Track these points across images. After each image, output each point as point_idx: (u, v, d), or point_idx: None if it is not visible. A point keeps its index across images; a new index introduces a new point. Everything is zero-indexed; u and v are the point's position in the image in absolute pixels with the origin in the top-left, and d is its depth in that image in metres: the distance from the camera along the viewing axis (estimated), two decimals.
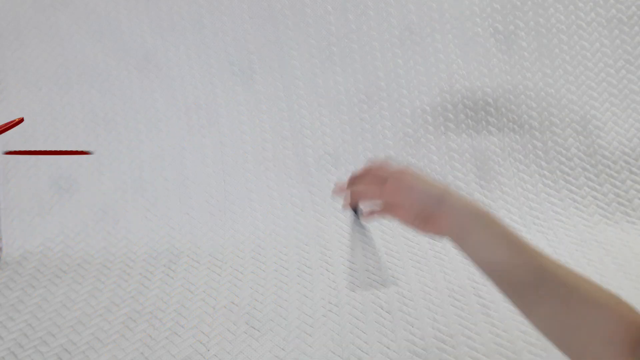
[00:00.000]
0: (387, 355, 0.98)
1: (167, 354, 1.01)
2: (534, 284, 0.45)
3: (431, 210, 0.53)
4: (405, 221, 0.57)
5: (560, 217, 1.39)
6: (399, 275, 1.22)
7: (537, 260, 0.46)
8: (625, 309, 0.42)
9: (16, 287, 1.22)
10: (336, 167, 1.47)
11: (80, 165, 1.42)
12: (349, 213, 0.63)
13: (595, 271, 1.20)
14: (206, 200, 1.43)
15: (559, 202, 1.42)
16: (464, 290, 1.15)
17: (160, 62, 1.48)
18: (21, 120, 0.59)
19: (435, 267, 1.24)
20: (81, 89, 1.45)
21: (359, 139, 1.49)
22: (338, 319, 1.08)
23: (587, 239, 1.32)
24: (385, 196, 0.58)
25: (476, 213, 0.51)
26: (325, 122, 1.49)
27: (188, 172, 1.45)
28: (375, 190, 0.59)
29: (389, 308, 1.11)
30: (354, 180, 0.60)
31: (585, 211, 1.40)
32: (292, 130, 1.49)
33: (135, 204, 1.41)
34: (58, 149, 0.55)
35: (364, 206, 0.62)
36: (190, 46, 1.49)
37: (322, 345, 1.01)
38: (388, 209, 0.59)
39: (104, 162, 1.41)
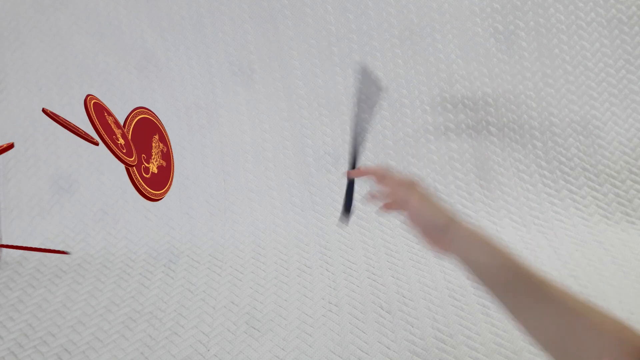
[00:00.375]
0: (387, 355, 0.98)
1: (167, 354, 1.01)
2: (539, 309, 0.47)
3: (436, 236, 0.56)
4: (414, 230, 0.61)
5: (560, 217, 1.39)
6: (399, 275, 1.22)
7: (544, 289, 0.48)
8: (629, 335, 0.42)
9: (16, 287, 1.22)
10: (336, 167, 1.47)
11: (81, 165, 1.42)
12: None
13: (595, 271, 1.19)
14: (206, 200, 1.43)
15: (559, 202, 1.42)
16: (464, 290, 1.15)
17: (160, 62, 1.48)
18: (11, 146, 0.60)
19: (435, 267, 1.24)
20: (81, 89, 1.45)
21: None
22: (338, 319, 1.08)
23: (587, 239, 1.32)
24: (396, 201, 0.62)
25: (479, 242, 0.53)
26: (325, 122, 1.49)
27: (188, 172, 1.45)
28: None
29: (389, 308, 1.11)
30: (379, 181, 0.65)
31: (585, 211, 1.40)
32: (292, 130, 1.49)
33: (135, 204, 1.41)
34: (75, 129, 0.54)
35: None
36: (190, 46, 1.49)
37: (322, 345, 1.01)
38: (400, 206, 0.62)
39: (104, 162, 1.41)
